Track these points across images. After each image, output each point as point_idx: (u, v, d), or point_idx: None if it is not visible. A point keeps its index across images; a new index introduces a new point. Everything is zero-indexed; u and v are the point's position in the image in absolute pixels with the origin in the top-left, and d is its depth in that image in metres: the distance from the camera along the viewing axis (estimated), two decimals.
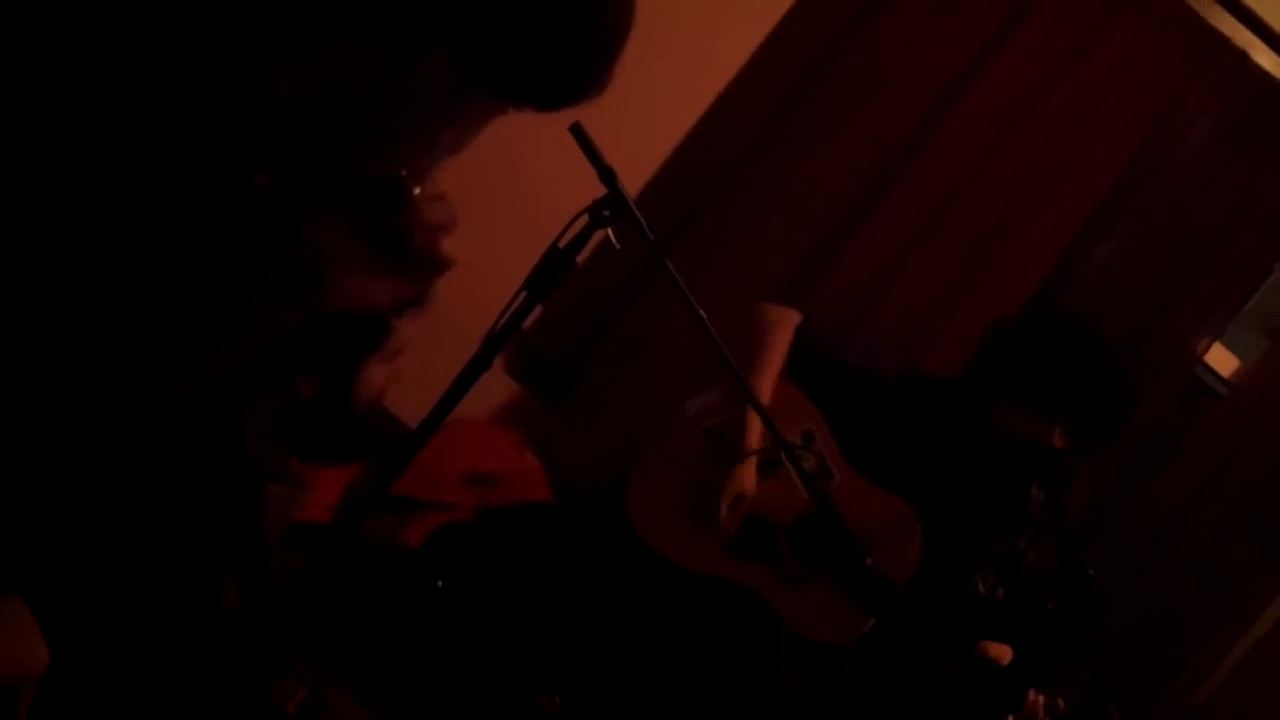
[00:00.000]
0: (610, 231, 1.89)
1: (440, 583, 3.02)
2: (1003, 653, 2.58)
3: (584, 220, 1.89)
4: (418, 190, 1.00)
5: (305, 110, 0.99)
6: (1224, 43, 3.72)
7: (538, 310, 1.96)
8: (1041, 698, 2.41)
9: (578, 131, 1.84)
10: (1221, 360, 3.98)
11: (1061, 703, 2.43)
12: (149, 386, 0.98)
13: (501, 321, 1.88)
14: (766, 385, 2.67)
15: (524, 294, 1.88)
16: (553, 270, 1.88)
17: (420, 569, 3.05)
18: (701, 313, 1.99)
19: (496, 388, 3.69)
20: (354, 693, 2.70)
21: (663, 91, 3.47)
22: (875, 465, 2.66)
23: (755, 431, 2.60)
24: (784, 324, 2.77)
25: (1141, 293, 3.83)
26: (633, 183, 2.03)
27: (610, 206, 1.88)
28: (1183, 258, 3.82)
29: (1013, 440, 2.66)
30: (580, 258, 1.94)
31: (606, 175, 1.88)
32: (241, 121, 0.98)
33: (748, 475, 2.62)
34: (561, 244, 1.89)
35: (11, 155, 0.92)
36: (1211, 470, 3.83)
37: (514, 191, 3.33)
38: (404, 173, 1.00)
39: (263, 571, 1.65)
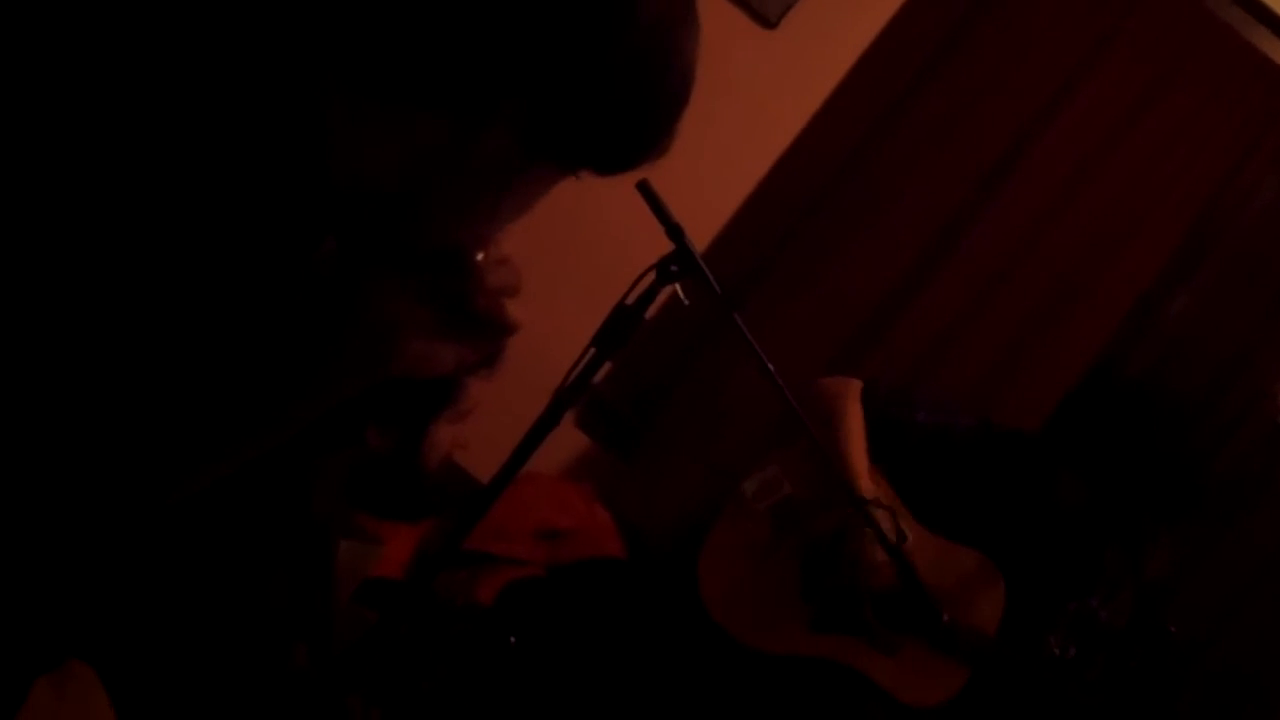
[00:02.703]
0: (678, 287, 1.90)
1: (513, 639, 3.01)
2: None
3: (651, 277, 1.90)
4: (480, 255, 1.01)
5: (367, 182, 1.00)
6: None
7: (608, 365, 1.97)
8: None
9: (645, 189, 1.85)
10: None
11: None
12: (219, 456, 1.00)
13: (570, 378, 1.88)
14: (858, 456, 2.66)
15: (592, 351, 1.89)
16: (620, 327, 1.89)
17: (492, 625, 3.05)
18: (770, 365, 1.99)
19: (567, 442, 3.69)
20: None
21: (730, 148, 3.49)
22: (947, 522, 2.63)
23: (864, 483, 2.59)
24: (850, 393, 2.76)
25: (1220, 341, 3.77)
26: (699, 238, 2.03)
27: (678, 262, 1.89)
28: (1262, 304, 3.77)
29: (1080, 510, 2.64)
30: (649, 313, 1.94)
31: (674, 231, 1.89)
32: (305, 192, 0.99)
33: (864, 538, 2.60)
34: (629, 301, 1.90)
35: (80, 228, 0.94)
36: None
37: (583, 249, 3.35)
38: (466, 239, 1.01)
39: (333, 629, 1.65)
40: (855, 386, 2.77)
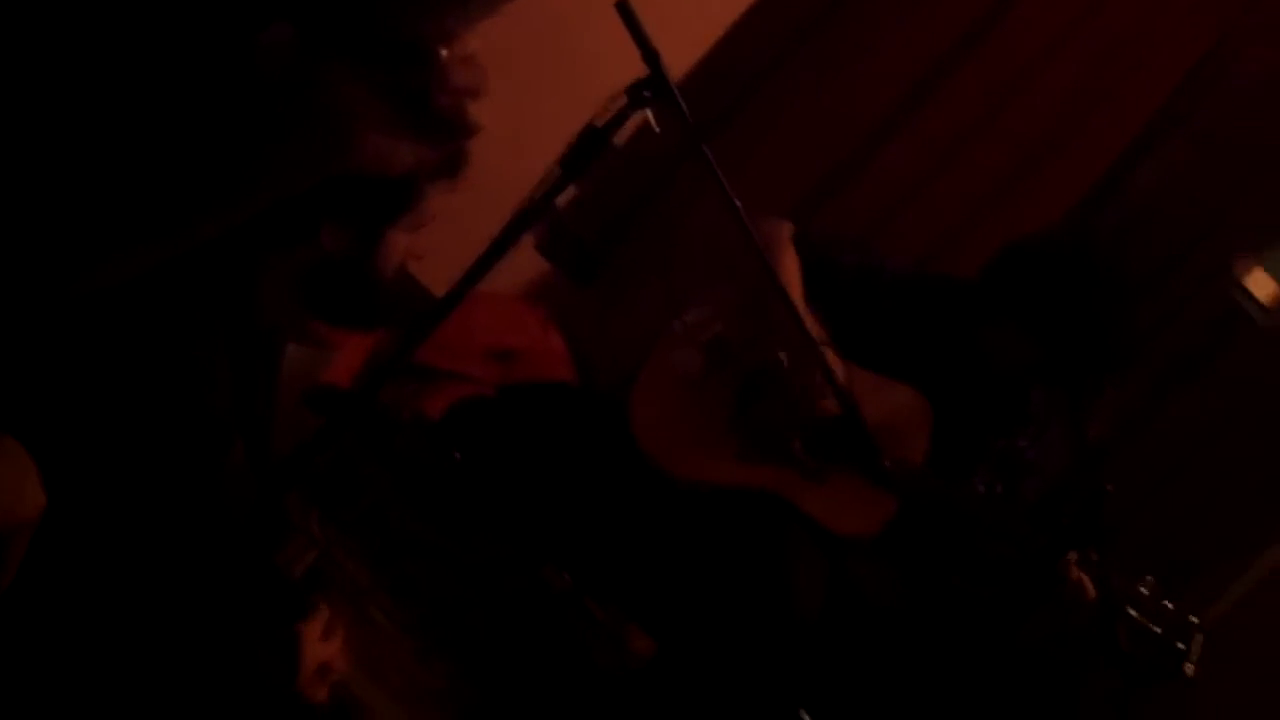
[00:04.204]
0: (650, 113, 1.87)
1: (458, 455, 3.03)
2: None
3: (623, 100, 1.87)
4: (445, 51, 0.97)
5: None
6: None
7: (572, 190, 1.94)
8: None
9: (624, 10, 1.81)
10: (1262, 286, 3.94)
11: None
12: (165, 235, 0.97)
13: (533, 197, 1.86)
14: (795, 298, 2.66)
15: (557, 171, 1.86)
16: (588, 149, 1.86)
17: (438, 440, 3.07)
18: (736, 201, 1.96)
19: (526, 265, 3.68)
20: (364, 558, 2.74)
21: None
22: (876, 361, 2.65)
23: (790, 328, 2.60)
24: (783, 237, 2.75)
25: (1183, 216, 3.78)
26: (674, 70, 1.99)
27: (651, 88, 1.85)
28: (1229, 182, 3.77)
29: (1006, 358, 2.66)
30: (619, 140, 1.92)
31: (650, 55, 1.85)
32: None
33: (792, 372, 2.62)
34: (599, 123, 1.86)
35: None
36: (1238, 398, 3.81)
37: (554, 68, 3.29)
38: (430, 33, 0.97)
39: (273, 429, 1.65)
40: (787, 230, 2.76)
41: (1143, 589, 2.39)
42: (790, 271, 2.69)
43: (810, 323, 2.64)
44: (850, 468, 2.59)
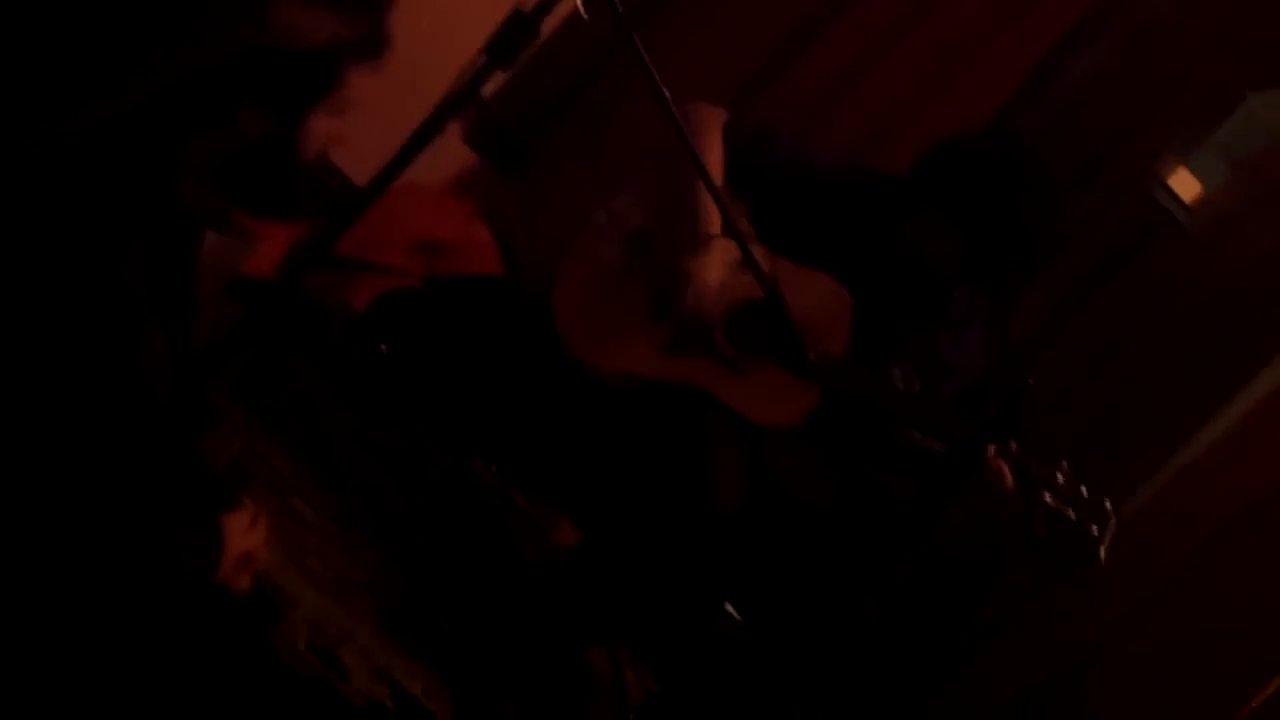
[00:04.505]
0: (579, 1, 1.84)
1: (384, 347, 3.02)
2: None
3: None
4: None
5: None
6: None
7: (501, 80, 1.91)
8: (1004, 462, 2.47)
9: None
10: (1186, 186, 3.98)
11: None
12: (80, 103, 0.94)
13: (459, 84, 1.82)
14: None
15: (483, 58, 1.83)
16: (515, 35, 1.82)
17: (364, 332, 3.05)
18: (665, 91, 1.94)
19: (453, 156, 3.64)
20: (289, 450, 2.72)
21: None
22: (799, 254, 2.66)
23: (713, 219, 2.59)
24: (713, 125, 2.73)
25: (1111, 115, 3.79)
26: None
27: None
28: (1158, 81, 3.78)
29: (929, 255, 2.68)
30: (548, 28, 1.89)
31: None
32: None
33: (713, 263, 2.62)
34: (526, 8, 1.83)
35: None
36: (1159, 298, 3.87)
37: None
38: None
39: (193, 317, 1.62)
40: (719, 118, 2.74)
41: (1059, 475, 2.44)
42: (714, 159, 2.68)
43: (734, 212, 2.64)
44: (771, 358, 2.60)
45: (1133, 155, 3.80)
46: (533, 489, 3.14)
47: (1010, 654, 3.83)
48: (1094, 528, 2.41)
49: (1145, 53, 3.78)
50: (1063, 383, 3.83)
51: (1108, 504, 2.43)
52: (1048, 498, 2.42)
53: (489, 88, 1.97)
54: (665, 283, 2.65)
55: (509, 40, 1.83)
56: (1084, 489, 2.43)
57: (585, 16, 1.86)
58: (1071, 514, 2.41)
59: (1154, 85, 3.78)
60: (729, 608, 2.90)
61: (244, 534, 1.75)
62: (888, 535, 2.68)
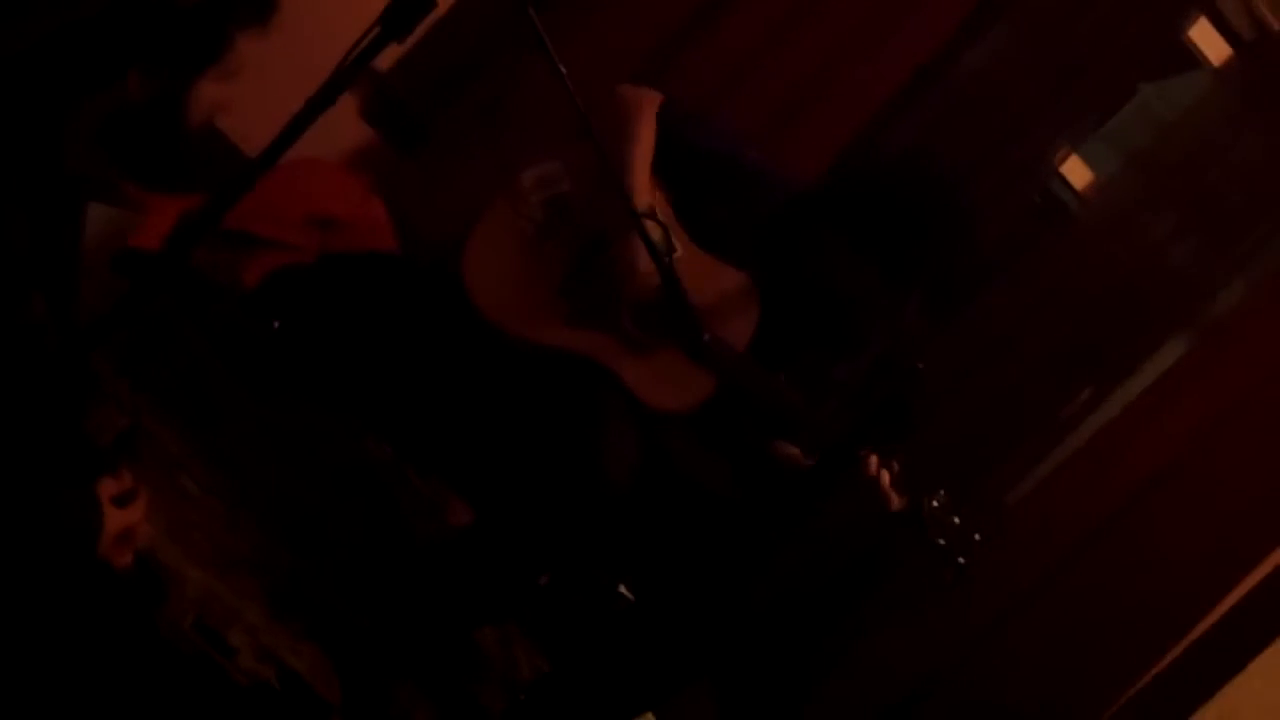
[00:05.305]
0: None
1: (276, 323, 2.97)
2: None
3: None
4: None
5: None
6: None
7: (399, 53, 1.89)
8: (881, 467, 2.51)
9: None
10: (1077, 173, 4.06)
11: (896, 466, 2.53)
12: None
13: (352, 56, 1.79)
14: (641, 169, 2.64)
15: (377, 29, 1.80)
16: (412, 6, 1.79)
17: (256, 308, 3.00)
18: (561, 68, 1.93)
19: (349, 131, 3.59)
20: (177, 426, 2.68)
21: None
22: (718, 245, 2.67)
23: (643, 196, 2.59)
24: (646, 106, 2.73)
25: (1005, 103, 3.84)
26: None
27: None
28: (1050, 75, 3.83)
29: (834, 277, 2.71)
30: (445, 1, 1.86)
31: None
32: None
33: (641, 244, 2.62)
34: None
35: None
36: (1048, 285, 3.94)
37: None
38: None
39: (76, 288, 1.58)
40: (654, 100, 2.74)
41: (935, 503, 2.50)
42: (645, 141, 2.67)
43: (652, 195, 2.63)
44: (672, 344, 2.60)
45: (1022, 152, 3.85)
46: (427, 467, 3.12)
47: (897, 638, 3.90)
48: (961, 558, 2.47)
49: (1037, 45, 3.84)
50: (953, 370, 3.88)
51: (977, 536, 2.49)
52: (925, 524, 2.50)
53: (387, 62, 1.94)
54: (579, 255, 2.64)
55: (406, 11, 1.80)
56: (957, 520, 2.49)
57: None
58: (943, 542, 2.48)
59: (1046, 79, 3.84)
60: (622, 588, 2.91)
61: (122, 509, 1.70)
62: (774, 521, 2.70)
